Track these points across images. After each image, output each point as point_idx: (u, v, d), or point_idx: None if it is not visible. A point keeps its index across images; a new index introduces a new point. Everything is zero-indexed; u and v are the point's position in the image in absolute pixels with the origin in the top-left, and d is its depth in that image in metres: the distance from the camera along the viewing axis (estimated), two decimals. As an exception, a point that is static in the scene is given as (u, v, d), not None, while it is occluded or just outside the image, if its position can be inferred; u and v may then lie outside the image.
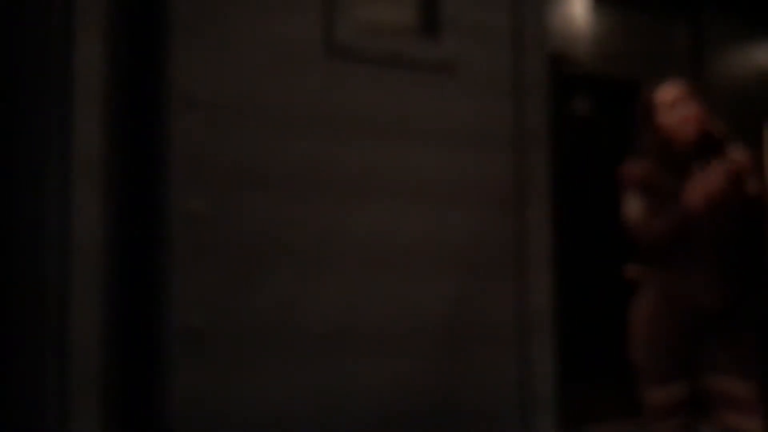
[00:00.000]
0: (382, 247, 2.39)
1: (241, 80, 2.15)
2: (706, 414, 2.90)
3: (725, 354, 2.89)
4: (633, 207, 3.18)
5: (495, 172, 2.58)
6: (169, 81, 2.04)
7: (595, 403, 4.64)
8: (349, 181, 2.33)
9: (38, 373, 1.85)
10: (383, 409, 2.36)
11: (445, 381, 2.48)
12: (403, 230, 2.42)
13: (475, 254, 2.55)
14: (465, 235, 2.52)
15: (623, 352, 3.21)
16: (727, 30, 5.28)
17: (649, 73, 3.33)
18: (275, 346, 2.18)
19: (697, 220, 3.06)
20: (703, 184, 2.98)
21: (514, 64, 2.59)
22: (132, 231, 2.02)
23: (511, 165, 2.59)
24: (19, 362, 1.86)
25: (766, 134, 5.17)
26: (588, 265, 4.84)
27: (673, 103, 3.18)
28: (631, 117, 3.27)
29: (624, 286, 3.20)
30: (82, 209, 1.87)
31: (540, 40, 2.63)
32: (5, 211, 1.91)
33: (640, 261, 3.13)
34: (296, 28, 2.25)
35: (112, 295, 1.95)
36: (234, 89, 2.15)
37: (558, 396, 2.72)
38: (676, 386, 3.09)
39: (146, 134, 2.04)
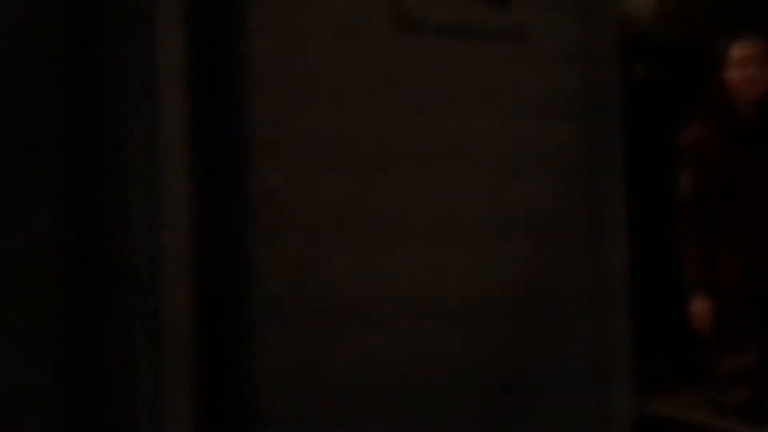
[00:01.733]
0: (456, 217, 2.41)
1: (312, 58, 2.18)
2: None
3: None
4: (684, 177, 3.14)
5: (567, 140, 2.57)
6: (245, 63, 2.08)
7: (664, 371, 4.60)
8: (421, 152, 2.35)
9: (131, 349, 1.91)
10: (462, 377, 2.39)
11: (520, 349, 2.50)
12: (476, 200, 2.43)
13: (549, 222, 2.55)
14: (538, 203, 2.53)
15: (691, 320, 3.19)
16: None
17: (716, 36, 3.26)
18: (356, 316, 2.23)
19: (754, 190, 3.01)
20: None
21: (584, 31, 2.57)
22: (216, 208, 2.07)
23: (583, 132, 2.58)
24: (111, 340, 1.93)
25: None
26: (651, 234, 4.79)
27: (744, 61, 3.11)
28: (696, 82, 3.22)
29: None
30: (170, 189, 1.93)
31: (610, 3, 2.60)
32: (95, 195, 1.97)
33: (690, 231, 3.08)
34: (364, 1, 2.27)
35: (200, 270, 2.01)
36: (306, 68, 2.18)
37: (637, 364, 2.72)
38: (746, 355, 3.07)
39: (226, 116, 2.08)
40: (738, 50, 3.11)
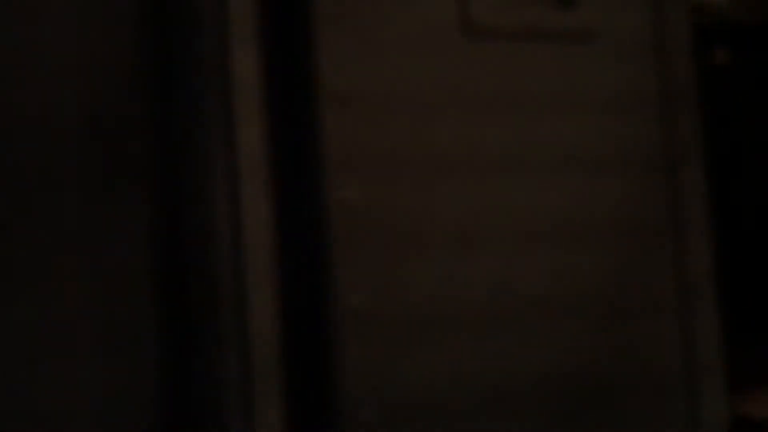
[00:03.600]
0: (534, 221, 2.40)
1: (382, 69, 2.21)
2: None
3: None
4: None
5: (644, 138, 2.53)
6: (317, 78, 2.11)
7: (761, 365, 4.47)
8: (496, 159, 2.35)
9: (221, 367, 1.96)
10: (546, 384, 2.37)
11: (606, 353, 2.47)
12: (555, 203, 2.42)
13: (630, 222, 2.52)
14: (618, 203, 2.49)
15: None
16: None
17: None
18: (436, 325, 2.24)
19: None
20: None
21: (656, 25, 2.53)
22: (294, 223, 2.11)
23: (660, 128, 2.54)
24: (201, 360, 1.98)
25: None
26: (742, 225, 4.67)
27: None
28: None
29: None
30: (251, 207, 1.98)
31: (681, -3, 2.56)
32: (178, 217, 2.03)
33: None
34: (430, 10, 2.28)
35: (283, 285, 2.05)
36: (376, 79, 2.20)
37: (725, 363, 2.65)
38: None
39: (301, 131, 2.12)
40: None
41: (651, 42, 2.53)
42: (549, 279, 2.40)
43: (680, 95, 2.58)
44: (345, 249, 2.11)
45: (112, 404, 1.95)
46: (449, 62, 2.28)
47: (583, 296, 2.45)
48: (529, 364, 2.34)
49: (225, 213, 1.97)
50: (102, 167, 1.99)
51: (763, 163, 3.14)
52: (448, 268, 2.24)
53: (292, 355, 2.04)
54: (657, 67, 2.53)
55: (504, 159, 2.35)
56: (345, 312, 2.07)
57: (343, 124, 2.14)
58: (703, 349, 2.61)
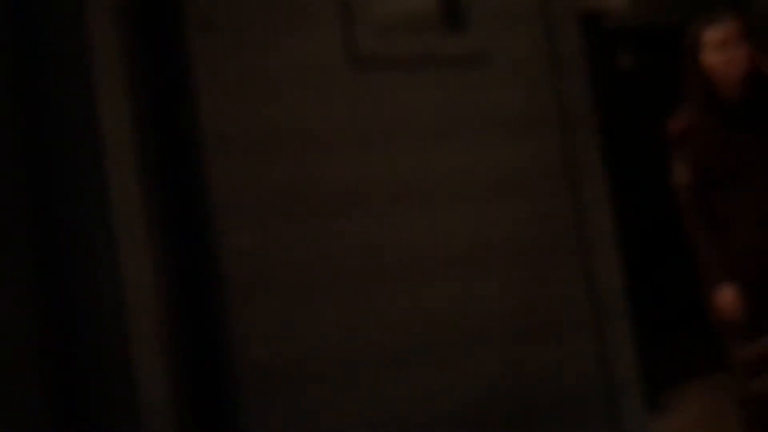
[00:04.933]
0: (439, 250, 2.34)
1: (269, 108, 2.12)
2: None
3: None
4: (678, 170, 3.05)
5: (544, 157, 2.50)
6: (199, 121, 2.01)
7: (680, 362, 4.53)
8: (395, 192, 2.28)
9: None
10: (465, 413, 2.32)
11: (523, 375, 2.43)
12: (459, 230, 2.36)
13: (536, 243, 2.48)
14: (523, 225, 2.45)
15: (706, 308, 3.11)
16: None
17: (695, 17, 3.19)
18: (344, 371, 2.15)
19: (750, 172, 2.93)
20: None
21: (548, 45, 2.50)
22: (183, 276, 2.00)
23: (559, 147, 2.51)
24: (90, 426, 1.86)
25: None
26: (651, 226, 4.71)
27: (721, 43, 3.03)
28: (679, 67, 3.14)
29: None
30: (129, 264, 1.86)
31: (571, 14, 2.53)
32: (54, 279, 1.91)
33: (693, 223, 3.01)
34: (315, 45, 2.20)
35: (174, 343, 1.94)
36: (263, 118, 2.11)
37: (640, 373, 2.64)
38: (764, 341, 2.98)
39: (184, 178, 2.02)
40: (712, 33, 3.03)
41: (545, 61, 2.50)
42: (459, 307, 2.35)
43: (579, 112, 2.56)
44: (242, 300, 2.01)
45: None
46: (338, 95, 2.21)
47: (495, 321, 2.40)
48: (446, 396, 2.28)
49: (104, 274, 1.85)
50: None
51: (666, 164, 3.16)
52: (351, 310, 2.16)
53: (189, 417, 1.93)
54: (552, 86, 2.51)
55: (402, 190, 2.29)
56: (245, 367, 1.97)
57: (229, 166, 2.04)
58: (619, 364, 2.59)
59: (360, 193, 2.22)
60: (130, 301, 1.83)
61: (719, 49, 3.01)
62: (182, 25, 2.01)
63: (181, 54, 2.00)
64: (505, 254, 2.43)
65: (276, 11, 2.13)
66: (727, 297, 2.98)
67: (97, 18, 1.89)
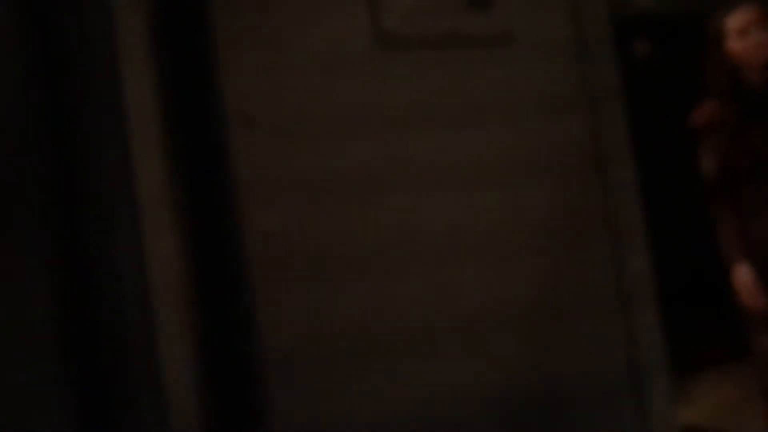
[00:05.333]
0: (465, 236, 2.30)
1: (294, 88, 2.09)
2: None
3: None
4: (704, 159, 3.02)
5: (571, 139, 2.46)
6: (224, 102, 1.98)
7: (700, 350, 4.48)
8: (420, 173, 2.24)
9: (137, 423, 1.82)
10: (493, 398, 2.28)
11: (550, 361, 2.39)
12: (485, 215, 2.32)
13: (563, 226, 2.44)
14: (549, 209, 2.41)
15: (729, 298, 3.07)
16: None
17: (715, 5, 3.15)
18: (368, 353, 2.12)
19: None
20: None
21: (575, 24, 2.46)
22: (209, 260, 1.98)
23: (587, 128, 2.47)
24: (116, 415, 1.83)
25: None
26: (677, 216, 4.67)
27: (744, 29, 2.99)
28: (700, 56, 3.10)
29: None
30: (154, 244, 1.83)
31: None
32: (80, 263, 1.89)
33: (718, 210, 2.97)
34: (341, 25, 2.17)
35: (199, 328, 1.91)
36: (288, 99, 2.08)
37: (668, 358, 2.60)
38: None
39: (209, 160, 1.99)
40: (735, 20, 3.00)
41: (572, 41, 2.46)
42: (485, 292, 2.31)
43: (605, 93, 2.52)
44: (267, 283, 1.98)
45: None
46: (364, 76, 2.17)
47: (521, 307, 2.36)
48: (472, 378, 2.25)
49: (129, 256, 1.82)
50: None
51: (682, 153, 3.13)
52: (377, 292, 2.13)
53: (214, 402, 1.90)
54: (580, 67, 2.47)
55: (428, 172, 2.25)
56: (271, 350, 1.94)
57: (254, 148, 2.01)
58: (647, 350, 2.55)
59: (386, 175, 2.19)
60: (155, 281, 1.80)
61: (740, 36, 2.98)
62: (208, 6, 1.98)
63: (206, 35, 1.98)
64: (532, 237, 2.39)
65: (301, -9, 2.10)
66: (744, 278, 2.95)
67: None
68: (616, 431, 2.47)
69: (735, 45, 2.98)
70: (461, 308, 2.27)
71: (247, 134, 2.00)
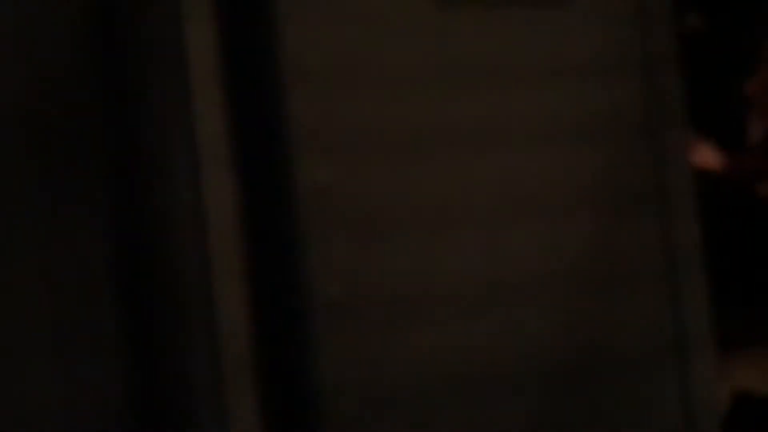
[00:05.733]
0: (515, 195, 2.30)
1: (352, 43, 2.09)
2: None
3: None
4: (755, 129, 2.97)
5: (625, 102, 2.43)
6: (281, 53, 1.99)
7: (751, 326, 4.44)
8: (474, 132, 2.24)
9: (190, 366, 1.86)
10: (535, 362, 2.29)
11: (593, 327, 2.39)
12: (536, 175, 2.32)
13: (612, 191, 2.43)
14: (602, 171, 2.40)
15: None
16: None
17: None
18: (418, 310, 2.14)
19: None
20: None
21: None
22: (263, 210, 2.00)
23: (641, 92, 2.44)
24: (168, 359, 1.87)
25: None
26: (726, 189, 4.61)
27: None
28: (753, 28, 3.04)
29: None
30: (214, 194, 1.86)
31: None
32: (137, 209, 1.92)
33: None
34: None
35: (252, 276, 1.94)
36: (345, 52, 2.08)
37: (714, 330, 2.59)
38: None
39: (265, 110, 2.00)
40: None
41: (630, 3, 2.43)
42: (533, 254, 2.31)
43: (662, 57, 2.49)
44: (319, 236, 2.00)
45: (74, 409, 1.84)
46: (421, 32, 2.17)
47: (569, 271, 2.36)
48: (517, 342, 2.26)
49: (187, 201, 1.85)
50: (52, 158, 1.87)
51: (723, 128, 3.08)
52: (427, 249, 2.14)
53: (265, 350, 1.93)
54: (637, 30, 2.44)
55: (481, 132, 2.25)
56: (320, 303, 1.96)
57: (310, 101, 2.02)
58: (692, 318, 2.54)
59: (441, 135, 2.19)
60: (212, 227, 1.83)
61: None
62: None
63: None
64: (582, 202, 2.38)
65: (359, -56, 2.10)
66: None
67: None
68: (658, 400, 2.47)
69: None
70: (506, 269, 2.28)
71: (302, 85, 2.01)
